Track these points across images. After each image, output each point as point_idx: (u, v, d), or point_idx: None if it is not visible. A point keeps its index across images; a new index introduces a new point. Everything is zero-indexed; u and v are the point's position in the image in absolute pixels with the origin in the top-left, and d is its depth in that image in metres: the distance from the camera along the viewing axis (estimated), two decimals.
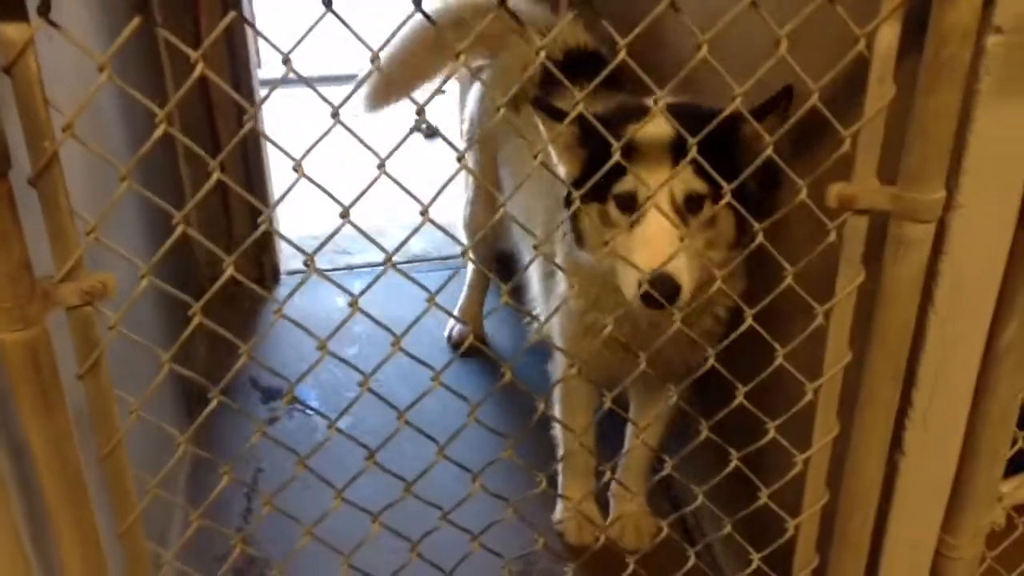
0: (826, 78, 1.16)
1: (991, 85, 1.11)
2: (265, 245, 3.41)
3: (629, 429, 2.28)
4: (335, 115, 1.12)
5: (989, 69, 1.10)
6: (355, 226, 1.18)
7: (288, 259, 3.55)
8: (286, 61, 1.07)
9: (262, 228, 1.20)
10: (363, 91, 2.62)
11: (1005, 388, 1.34)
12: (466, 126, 2.82)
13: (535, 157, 1.22)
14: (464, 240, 2.94)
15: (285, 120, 3.65)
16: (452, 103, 4.18)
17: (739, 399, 1.36)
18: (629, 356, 1.73)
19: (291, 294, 1.25)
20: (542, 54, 1.13)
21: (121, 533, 1.24)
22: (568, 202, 1.74)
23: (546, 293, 2.19)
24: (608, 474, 1.78)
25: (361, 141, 1.17)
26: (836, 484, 1.41)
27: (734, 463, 1.43)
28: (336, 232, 1.18)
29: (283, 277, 3.50)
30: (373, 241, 1.22)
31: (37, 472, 1.12)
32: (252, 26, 2.29)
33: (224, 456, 1.84)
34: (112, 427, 1.17)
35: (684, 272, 1.52)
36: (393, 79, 2.58)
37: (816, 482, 1.41)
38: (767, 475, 1.48)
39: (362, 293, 1.21)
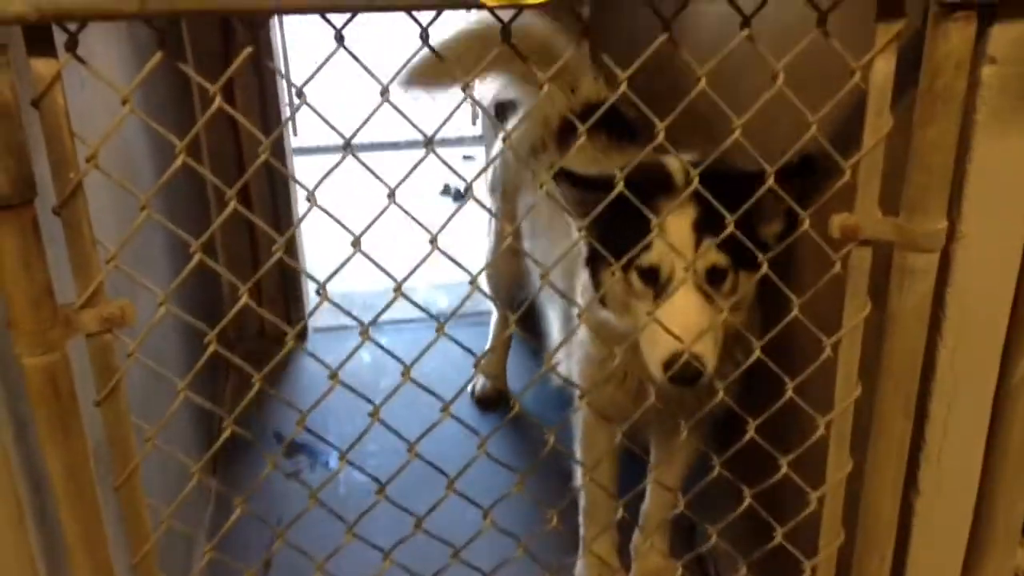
0: (824, 110, 1.18)
1: (987, 115, 1.12)
2: (293, 298, 3.46)
3: (650, 474, 2.27)
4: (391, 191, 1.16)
5: (985, 99, 1.12)
6: (367, 256, 1.21)
7: (316, 316, 3.59)
8: (300, 94, 1.11)
9: (277, 255, 1.21)
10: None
11: (1022, 424, 1.33)
12: (490, 173, 2.86)
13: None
14: (487, 290, 2.96)
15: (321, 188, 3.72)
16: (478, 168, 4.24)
17: (750, 433, 1.36)
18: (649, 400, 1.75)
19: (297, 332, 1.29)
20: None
21: (135, 564, 1.25)
22: (590, 264, 1.79)
23: (566, 335, 2.21)
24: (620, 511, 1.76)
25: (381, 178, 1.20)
26: (852, 523, 1.39)
27: (747, 501, 1.42)
28: (348, 260, 1.19)
29: (311, 334, 3.54)
30: (386, 272, 1.25)
31: (54, 498, 1.15)
32: (278, 70, 2.36)
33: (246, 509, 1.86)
34: (129, 455, 1.20)
35: (710, 351, 1.55)
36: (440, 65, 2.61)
37: (832, 521, 1.40)
38: (785, 513, 1.47)
39: (413, 363, 1.26)
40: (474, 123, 6.16)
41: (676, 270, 1.60)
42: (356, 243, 1.20)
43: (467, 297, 1.28)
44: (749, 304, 1.69)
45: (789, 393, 1.34)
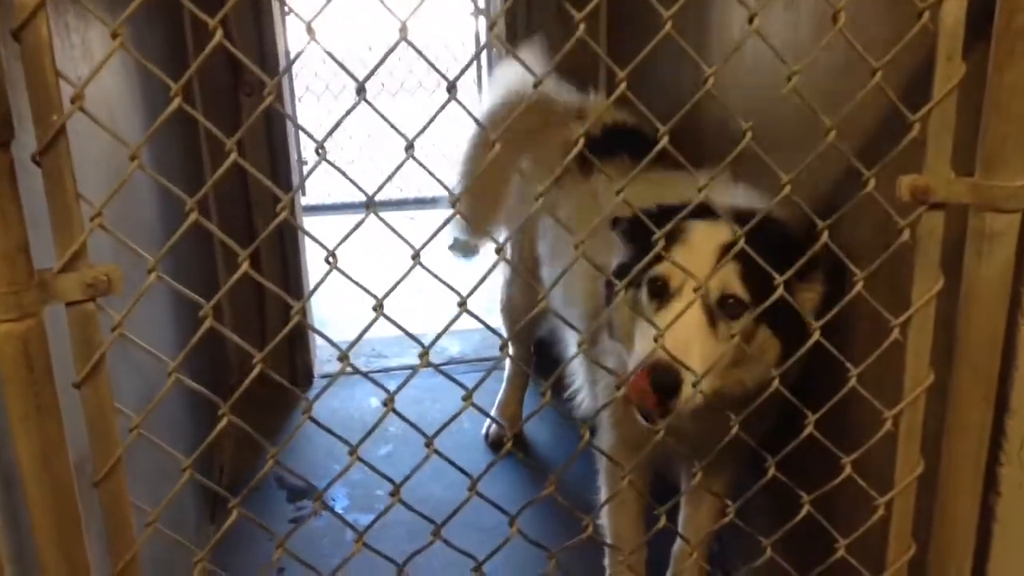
0: (889, 55, 1.07)
1: None
2: (299, 346, 3.34)
3: (680, 523, 2.09)
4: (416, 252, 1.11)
5: None
6: (389, 319, 1.14)
7: (323, 363, 3.47)
8: (320, 148, 1.03)
9: (294, 320, 1.13)
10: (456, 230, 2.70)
11: None
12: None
13: (576, 247, 1.20)
14: (502, 327, 2.84)
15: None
16: None
17: (809, 428, 1.21)
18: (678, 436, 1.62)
19: (324, 389, 1.21)
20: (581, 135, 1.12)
21: (117, 572, 1.10)
22: (609, 289, 1.69)
23: (588, 366, 2.08)
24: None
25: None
26: (922, 535, 1.24)
27: (805, 508, 1.27)
28: (371, 325, 1.13)
29: (316, 380, 3.41)
30: (409, 335, 1.21)
31: (23, 488, 1.00)
32: (292, 118, 2.28)
33: (246, 557, 1.69)
34: (111, 446, 1.05)
35: (695, 366, 1.36)
36: (478, 201, 2.61)
37: (901, 530, 1.24)
38: (837, 528, 1.31)
39: (398, 390, 1.17)
40: None
41: (686, 286, 1.50)
42: (379, 307, 1.13)
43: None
44: (768, 365, 1.50)
45: (852, 382, 1.20)
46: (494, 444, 2.92)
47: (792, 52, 1.07)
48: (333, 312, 3.58)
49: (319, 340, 3.61)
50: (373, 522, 1.22)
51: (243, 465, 2.76)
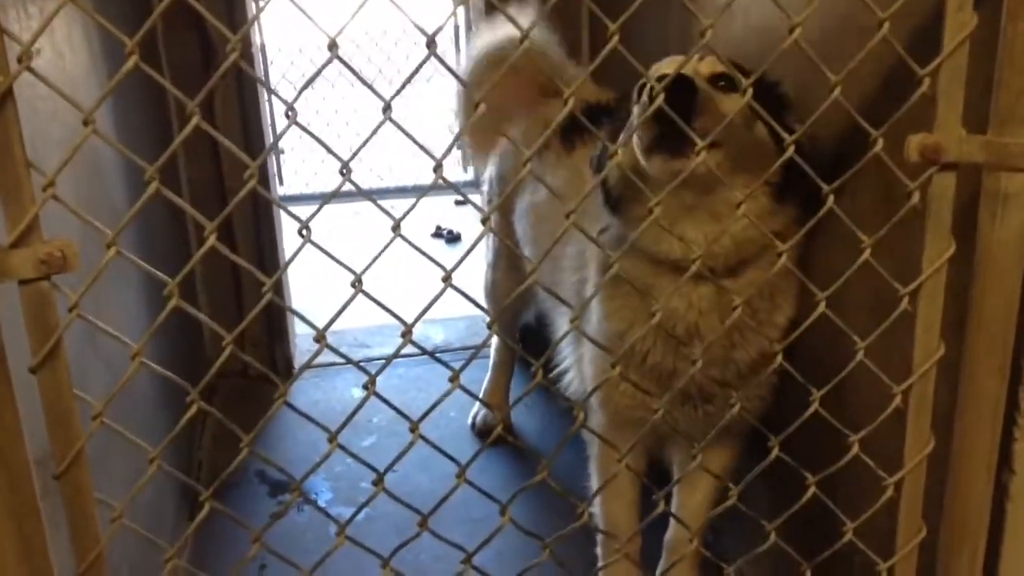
0: (896, 4, 1.01)
1: None
2: (278, 337, 3.26)
3: (675, 509, 2.03)
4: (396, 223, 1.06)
5: None
6: (368, 295, 1.08)
7: (303, 353, 3.38)
8: (290, 110, 0.95)
9: (266, 299, 1.06)
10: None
11: None
12: (486, 188, 2.72)
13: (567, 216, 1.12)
14: (487, 307, 2.77)
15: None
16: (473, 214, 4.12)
17: (814, 406, 1.15)
18: (674, 396, 1.56)
19: (300, 371, 1.13)
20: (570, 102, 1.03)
21: (81, 573, 1.03)
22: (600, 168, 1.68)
23: (576, 345, 2.01)
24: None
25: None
26: (932, 516, 1.19)
27: (811, 490, 1.21)
28: (350, 301, 1.06)
29: (296, 371, 3.33)
30: (390, 311, 1.12)
31: None
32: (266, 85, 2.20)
33: (226, 552, 1.62)
34: (72, 436, 0.98)
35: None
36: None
37: (911, 512, 1.18)
38: (842, 511, 1.26)
39: (378, 372, 1.11)
40: (465, 170, 6.06)
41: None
42: (357, 283, 1.06)
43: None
44: (769, 181, 1.42)
45: (860, 356, 1.14)
46: (481, 433, 2.86)
47: (787, 2, 1.00)
48: (312, 303, 3.50)
49: (299, 331, 3.55)
50: (355, 514, 1.15)
51: (222, 461, 2.67)
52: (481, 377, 3.01)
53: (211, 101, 2.96)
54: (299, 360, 3.36)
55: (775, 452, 1.18)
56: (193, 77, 2.88)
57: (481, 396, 2.90)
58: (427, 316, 1.12)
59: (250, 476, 2.71)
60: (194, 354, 2.86)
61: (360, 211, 5.05)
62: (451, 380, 1.10)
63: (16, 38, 0.87)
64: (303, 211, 1.02)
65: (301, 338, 3.46)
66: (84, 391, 0.99)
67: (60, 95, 0.89)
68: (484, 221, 1.19)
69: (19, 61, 0.86)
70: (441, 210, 5.37)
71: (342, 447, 1.13)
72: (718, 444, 1.75)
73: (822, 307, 1.13)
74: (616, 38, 0.95)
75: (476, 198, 4.89)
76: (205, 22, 2.86)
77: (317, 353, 1.09)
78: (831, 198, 1.09)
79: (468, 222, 5.33)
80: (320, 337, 1.07)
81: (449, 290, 1.08)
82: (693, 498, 2.01)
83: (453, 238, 5.21)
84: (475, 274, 3.63)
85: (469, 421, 2.90)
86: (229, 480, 1.11)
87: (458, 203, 5.57)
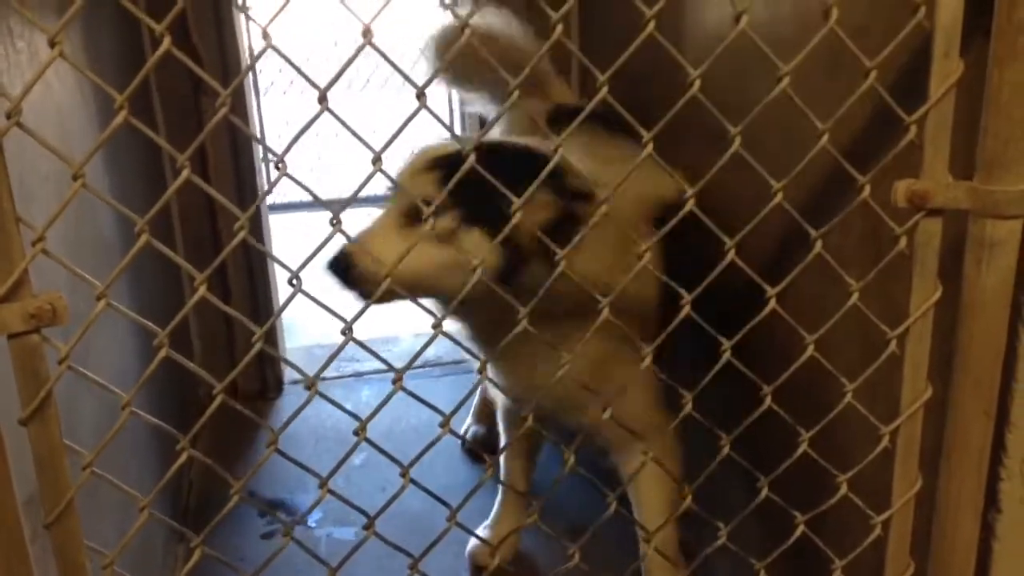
0: (883, 54, 1.01)
1: None
2: (268, 356, 3.26)
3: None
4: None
5: None
6: (359, 343, 1.10)
7: (292, 370, 3.38)
8: (279, 165, 0.97)
9: (256, 348, 1.08)
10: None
11: None
12: None
13: None
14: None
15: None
16: None
17: (803, 447, 1.16)
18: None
19: (290, 421, 1.14)
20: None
21: None
22: None
23: None
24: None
25: None
26: (919, 552, 1.19)
27: (800, 529, 1.21)
28: (340, 349, 1.11)
29: (287, 387, 3.32)
30: (383, 361, 1.16)
31: None
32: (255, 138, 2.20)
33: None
34: (62, 486, 0.98)
35: (385, 257, 1.41)
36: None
37: (899, 550, 1.19)
38: (828, 545, 1.26)
39: (370, 418, 1.14)
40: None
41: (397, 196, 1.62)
42: (347, 331, 1.08)
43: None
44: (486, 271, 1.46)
45: (848, 398, 1.15)
46: (472, 451, 2.84)
47: (774, 48, 1.01)
48: (302, 315, 3.49)
49: (289, 345, 3.55)
50: (343, 561, 1.15)
51: (212, 480, 2.67)
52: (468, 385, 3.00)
53: (201, 118, 2.95)
54: (289, 375, 3.36)
55: (764, 492, 1.19)
56: (183, 101, 2.88)
57: (471, 414, 2.91)
58: (415, 330, 1.13)
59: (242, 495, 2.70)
60: (185, 370, 2.85)
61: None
62: (441, 426, 1.10)
63: (6, 93, 0.87)
64: (291, 219, 1.02)
65: (292, 352, 3.45)
66: (74, 421, 0.98)
67: (51, 151, 0.89)
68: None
69: (8, 117, 0.86)
70: None
71: (332, 493, 1.13)
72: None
73: (810, 350, 1.13)
74: (605, 89, 0.96)
75: None
76: (192, 33, 2.88)
77: (307, 402, 1.10)
78: (819, 243, 1.10)
79: None
80: (311, 385, 1.07)
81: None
82: (647, 498, 2.02)
83: None
84: None
85: (461, 432, 2.88)
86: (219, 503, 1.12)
87: None
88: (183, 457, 1.04)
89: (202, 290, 0.97)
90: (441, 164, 1.61)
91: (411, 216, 1.57)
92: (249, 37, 3.12)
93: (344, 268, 1.53)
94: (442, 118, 1.11)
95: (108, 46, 2.12)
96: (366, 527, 1.13)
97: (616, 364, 1.77)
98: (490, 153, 1.48)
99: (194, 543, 1.08)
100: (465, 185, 1.12)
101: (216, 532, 2.27)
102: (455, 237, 1.57)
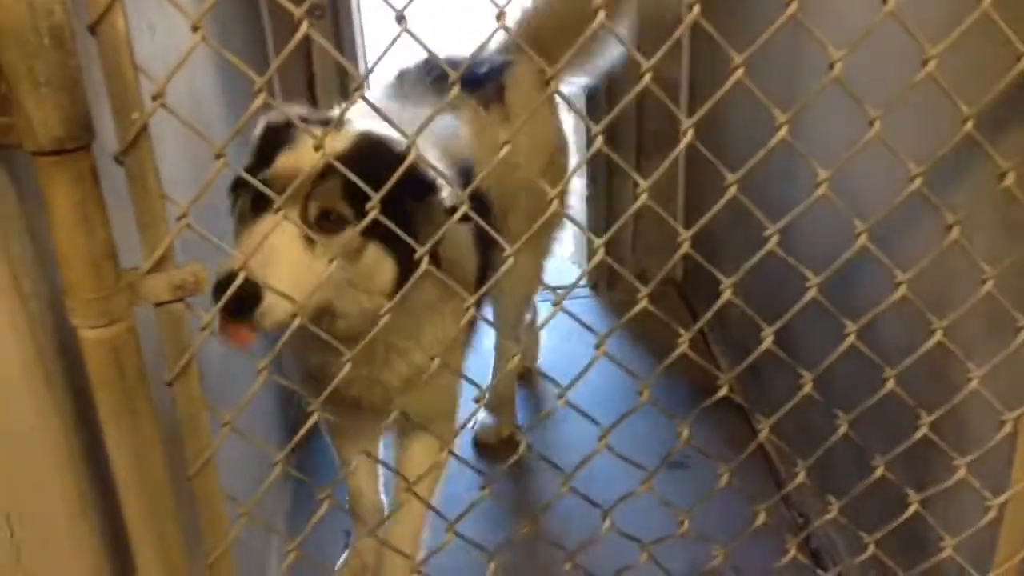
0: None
1: None
2: None
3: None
4: None
5: None
6: None
7: None
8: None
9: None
10: None
11: None
12: None
13: None
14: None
15: None
16: None
17: (923, 430, 1.14)
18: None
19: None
20: None
21: (210, 564, 1.11)
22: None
23: None
24: None
25: None
26: None
27: (913, 508, 1.21)
28: None
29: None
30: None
31: (118, 489, 1.00)
32: None
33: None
34: (203, 442, 1.04)
35: (279, 282, 1.22)
36: None
37: (1012, 534, 1.18)
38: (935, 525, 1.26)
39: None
40: None
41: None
42: None
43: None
44: (382, 292, 1.45)
45: (975, 384, 1.12)
46: (483, 444, 2.68)
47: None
48: None
49: None
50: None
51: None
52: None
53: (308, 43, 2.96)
54: None
55: (880, 471, 1.18)
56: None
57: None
58: None
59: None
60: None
61: None
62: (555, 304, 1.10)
63: (150, 76, 0.89)
64: None
65: None
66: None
67: (194, 131, 0.92)
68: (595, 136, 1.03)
69: (153, 99, 0.89)
70: None
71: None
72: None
73: (938, 335, 1.11)
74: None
75: None
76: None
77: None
78: (955, 229, 1.06)
79: None
80: None
81: None
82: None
83: None
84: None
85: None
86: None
87: None
88: (313, 419, 1.09)
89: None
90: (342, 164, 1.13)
91: (312, 227, 1.38)
92: None
93: (248, 303, 1.27)
94: None
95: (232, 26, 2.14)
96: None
97: (455, 348, 1.78)
98: (381, 150, 1.36)
99: (290, 547, 1.13)
100: (364, 193, 1.03)
101: (319, 457, 2.34)
102: (360, 254, 1.42)
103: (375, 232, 1.22)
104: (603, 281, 3.50)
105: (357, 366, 1.31)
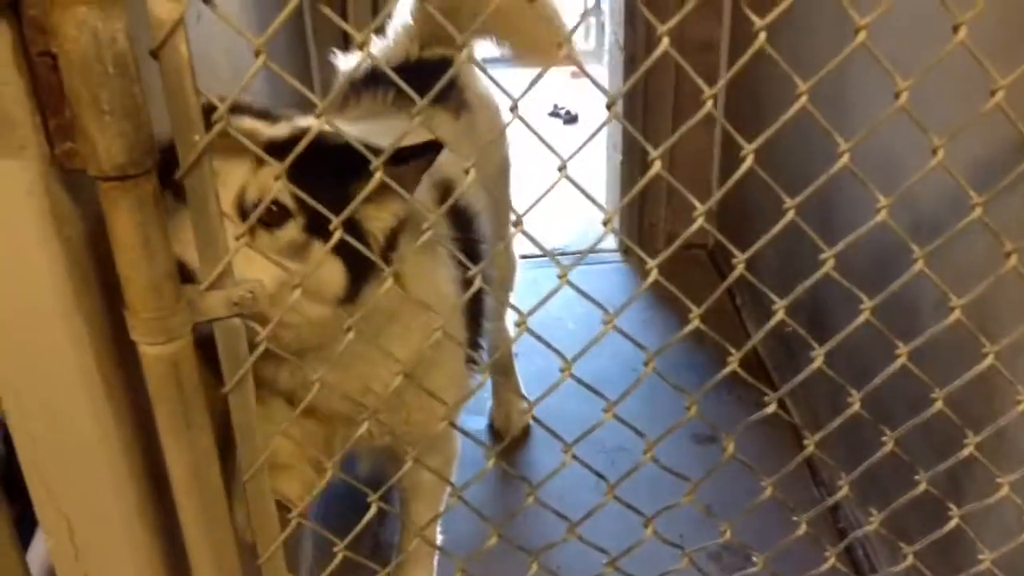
0: None
1: None
2: None
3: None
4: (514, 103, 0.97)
5: None
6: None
7: None
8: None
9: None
10: None
11: None
12: None
13: None
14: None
15: None
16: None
17: (937, 404, 1.13)
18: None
19: None
20: None
21: (262, 562, 1.14)
22: None
23: None
24: None
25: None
26: None
27: (920, 485, 1.22)
28: None
29: None
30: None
31: (175, 496, 1.03)
32: None
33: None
34: (256, 448, 1.06)
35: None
36: None
37: None
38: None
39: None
40: (586, 39, 5.89)
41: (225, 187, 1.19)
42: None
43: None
44: (330, 299, 1.31)
45: (990, 359, 1.10)
46: (500, 433, 2.70)
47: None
48: None
49: None
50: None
51: None
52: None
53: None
54: None
55: (922, 486, 1.19)
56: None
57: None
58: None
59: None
60: None
61: None
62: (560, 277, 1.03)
63: (212, 99, 0.89)
64: None
65: None
66: None
67: (254, 151, 0.92)
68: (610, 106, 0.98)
69: (215, 122, 0.89)
70: (557, 86, 5.20)
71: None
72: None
73: (990, 359, 1.10)
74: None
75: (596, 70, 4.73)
76: None
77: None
78: (1013, 257, 1.05)
79: (585, 99, 5.17)
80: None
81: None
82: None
83: (571, 119, 5.10)
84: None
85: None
86: None
87: (574, 75, 5.40)
88: (363, 427, 1.11)
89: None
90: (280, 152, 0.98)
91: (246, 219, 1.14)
92: None
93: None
94: None
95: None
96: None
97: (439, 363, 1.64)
98: (326, 143, 1.11)
99: (337, 548, 1.16)
100: (312, 185, 0.98)
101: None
102: (304, 252, 1.26)
103: (320, 228, 1.14)
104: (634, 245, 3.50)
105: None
